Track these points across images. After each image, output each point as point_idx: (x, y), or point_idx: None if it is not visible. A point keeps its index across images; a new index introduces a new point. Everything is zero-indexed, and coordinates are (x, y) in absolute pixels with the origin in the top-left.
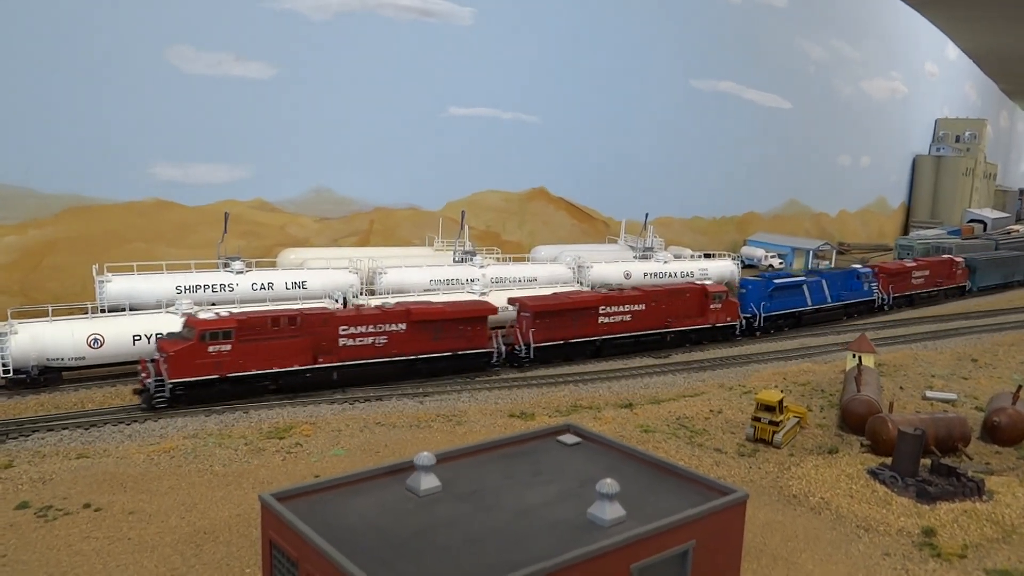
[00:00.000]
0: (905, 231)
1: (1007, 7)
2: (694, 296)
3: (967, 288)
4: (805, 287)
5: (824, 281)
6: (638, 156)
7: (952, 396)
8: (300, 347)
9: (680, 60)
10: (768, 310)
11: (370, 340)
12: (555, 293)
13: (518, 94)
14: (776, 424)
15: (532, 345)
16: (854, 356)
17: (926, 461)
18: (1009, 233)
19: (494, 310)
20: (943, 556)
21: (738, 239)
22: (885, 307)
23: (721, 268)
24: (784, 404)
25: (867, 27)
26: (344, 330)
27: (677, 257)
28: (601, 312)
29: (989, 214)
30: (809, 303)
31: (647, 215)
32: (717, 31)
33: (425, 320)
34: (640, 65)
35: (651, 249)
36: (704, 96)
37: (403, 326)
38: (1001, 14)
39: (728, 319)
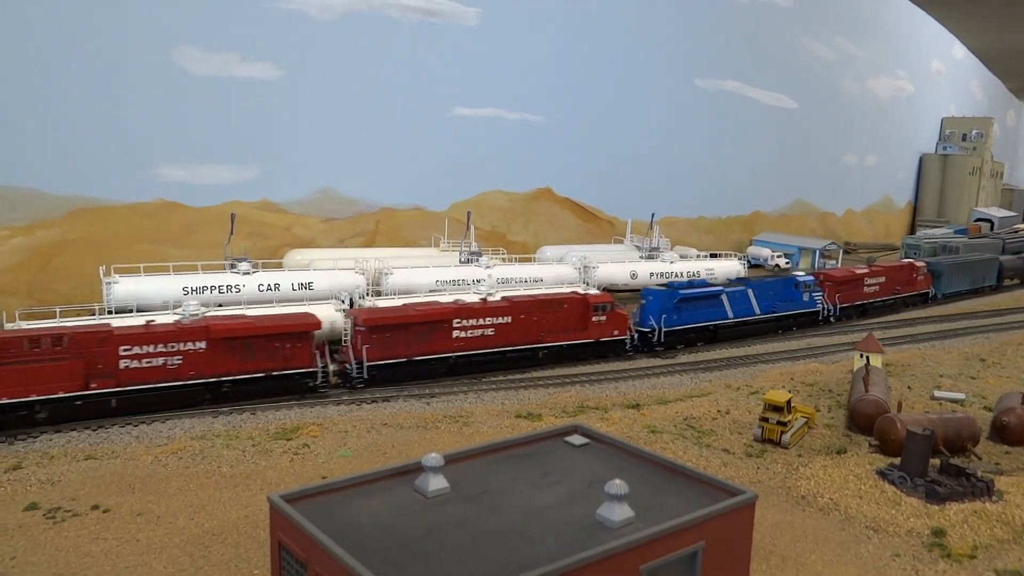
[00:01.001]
0: (912, 230)
1: (1014, 5)
2: (573, 307)
3: (930, 295)
4: (725, 297)
5: (751, 291)
6: (643, 156)
7: (960, 396)
8: (68, 371)
9: (685, 59)
10: (673, 323)
11: (160, 361)
12: (404, 304)
13: (523, 94)
14: (784, 424)
15: (366, 363)
16: (862, 356)
17: (935, 461)
18: (1016, 232)
19: (317, 324)
20: (953, 557)
21: (744, 239)
22: (831, 319)
23: (727, 268)
24: (792, 404)
25: (873, 26)
26: (126, 350)
27: (683, 257)
28: (456, 326)
29: (996, 213)
30: (730, 315)
31: (653, 215)
32: (722, 30)
33: (230, 337)
34: (645, 64)
35: (657, 249)
36: (709, 96)
37: (202, 344)
38: (1008, 12)
39: (615, 333)
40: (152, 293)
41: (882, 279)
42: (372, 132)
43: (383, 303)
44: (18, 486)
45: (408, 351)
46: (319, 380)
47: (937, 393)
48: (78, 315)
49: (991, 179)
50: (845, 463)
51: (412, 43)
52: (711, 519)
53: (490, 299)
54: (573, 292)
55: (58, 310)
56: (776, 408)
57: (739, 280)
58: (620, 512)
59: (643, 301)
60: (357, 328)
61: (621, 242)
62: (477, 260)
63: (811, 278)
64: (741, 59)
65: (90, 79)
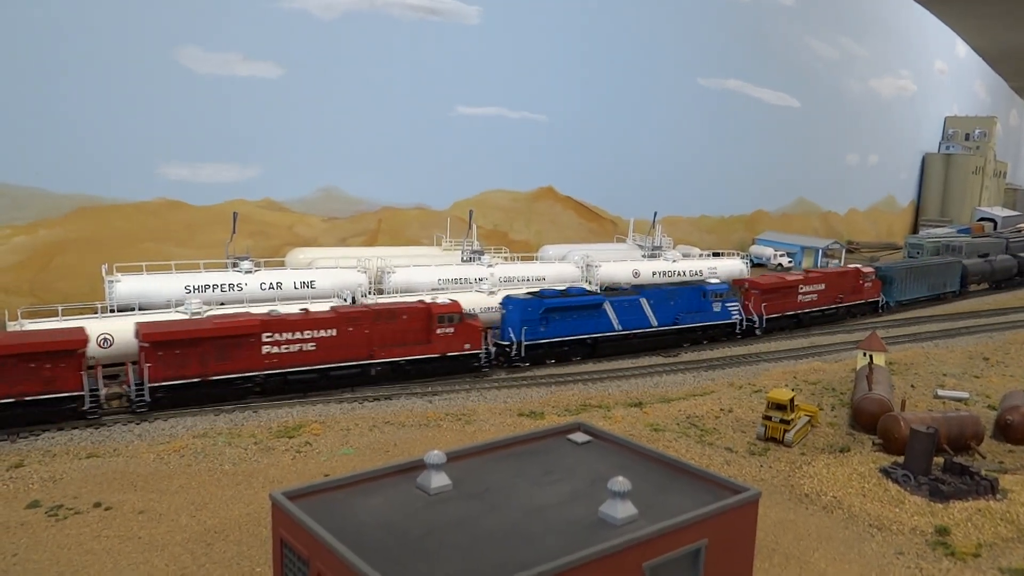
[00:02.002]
0: (914, 229)
1: (1017, 4)
2: (414, 318)
3: (881, 304)
4: (609, 307)
5: (645, 300)
6: (646, 155)
7: (964, 395)
8: None
9: (688, 58)
10: (537, 336)
11: None
12: (207, 316)
13: (525, 93)
14: (787, 423)
15: (148, 384)
16: (865, 355)
17: (939, 460)
18: (1020, 231)
19: (83, 341)
20: (957, 555)
21: (746, 238)
22: (756, 331)
23: (730, 267)
24: (795, 403)
25: (876, 25)
26: None
27: (685, 256)
28: (266, 340)
29: (999, 212)
30: (616, 327)
31: (655, 214)
32: (725, 29)
33: None
34: (648, 63)
35: (659, 248)
36: (712, 94)
37: None
38: (1011, 11)
39: (466, 347)
40: (154, 292)
41: (821, 286)
42: (374, 131)
43: (174, 316)
44: (20, 484)
45: (203, 370)
46: (87, 405)
47: (940, 392)
48: (80, 313)
49: (994, 179)
50: (848, 461)
51: (414, 42)
52: (714, 517)
53: (313, 310)
54: (419, 301)
55: (60, 308)
56: (779, 406)
57: (633, 288)
58: (623, 509)
59: (503, 311)
60: (141, 344)
61: (623, 241)
62: (479, 259)
63: (724, 286)
64: (744, 58)
65: (92, 78)
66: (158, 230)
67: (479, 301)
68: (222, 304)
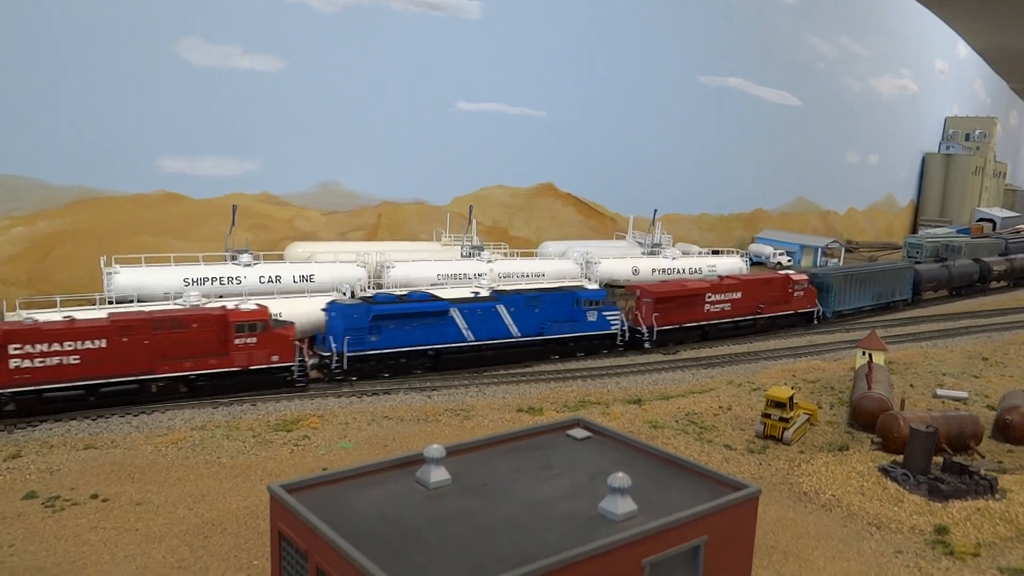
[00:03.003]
0: (914, 229)
1: (1018, 5)
2: (207, 327)
3: (817, 315)
4: (457, 314)
5: (503, 307)
6: (646, 152)
7: (963, 394)
8: None
9: (689, 56)
10: (365, 346)
11: None
12: None
13: (526, 89)
14: (786, 421)
15: None
16: (864, 353)
17: (938, 459)
18: (1019, 232)
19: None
20: (956, 554)
21: (746, 236)
22: (645, 344)
23: (730, 265)
24: (794, 401)
25: (877, 24)
26: None
27: (685, 254)
28: (13, 353)
29: (998, 213)
30: (468, 336)
31: (655, 211)
32: (726, 27)
33: None
34: (648, 61)
35: (659, 245)
36: (713, 92)
37: None
38: (1012, 12)
39: (274, 359)
40: (153, 284)
41: (736, 295)
42: (374, 125)
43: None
44: (17, 475)
45: None
46: None
47: (939, 391)
48: (78, 304)
49: (994, 179)
50: (847, 460)
51: (415, 37)
52: (714, 513)
53: (80, 317)
54: (221, 307)
55: (59, 299)
56: (778, 404)
57: (494, 293)
58: (623, 505)
59: (327, 318)
60: None
61: (623, 238)
62: (479, 254)
63: (600, 292)
64: (745, 56)
65: (93, 69)
66: (157, 222)
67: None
68: (220, 296)
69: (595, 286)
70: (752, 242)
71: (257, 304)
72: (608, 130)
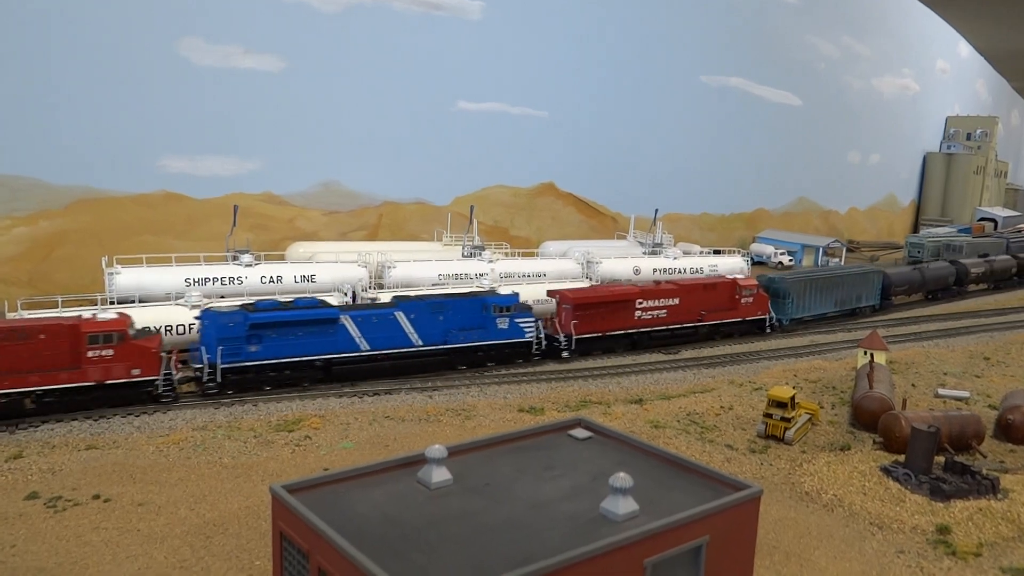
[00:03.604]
0: (915, 229)
1: (1020, 5)
2: (55, 338)
3: (770, 322)
4: (349, 322)
5: (403, 314)
6: (647, 152)
7: (965, 394)
8: None
9: (690, 56)
10: (243, 357)
11: None
12: None
13: (527, 89)
14: (788, 420)
15: None
16: (866, 353)
17: (940, 459)
18: (1020, 231)
19: None
20: (958, 554)
21: (747, 236)
22: (564, 352)
23: (731, 265)
24: (796, 401)
25: (878, 24)
26: None
27: (686, 253)
28: None
29: (1000, 212)
30: (362, 346)
31: (656, 211)
32: (728, 27)
33: None
34: (650, 60)
35: (660, 245)
36: (714, 92)
37: None
38: (1013, 12)
39: (134, 373)
40: (154, 284)
41: (672, 301)
42: (375, 125)
43: None
44: (19, 475)
45: None
46: None
47: (941, 391)
48: (79, 304)
49: (995, 178)
50: (849, 460)
51: (416, 36)
52: (716, 513)
53: None
54: (76, 317)
55: (60, 299)
56: (780, 404)
57: (394, 299)
58: (624, 505)
59: (200, 326)
60: None
61: (624, 238)
62: (480, 254)
63: (512, 298)
64: (746, 56)
65: (94, 69)
66: (158, 222)
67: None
68: (222, 297)
69: (509, 291)
70: (753, 242)
71: (118, 313)
72: (609, 130)
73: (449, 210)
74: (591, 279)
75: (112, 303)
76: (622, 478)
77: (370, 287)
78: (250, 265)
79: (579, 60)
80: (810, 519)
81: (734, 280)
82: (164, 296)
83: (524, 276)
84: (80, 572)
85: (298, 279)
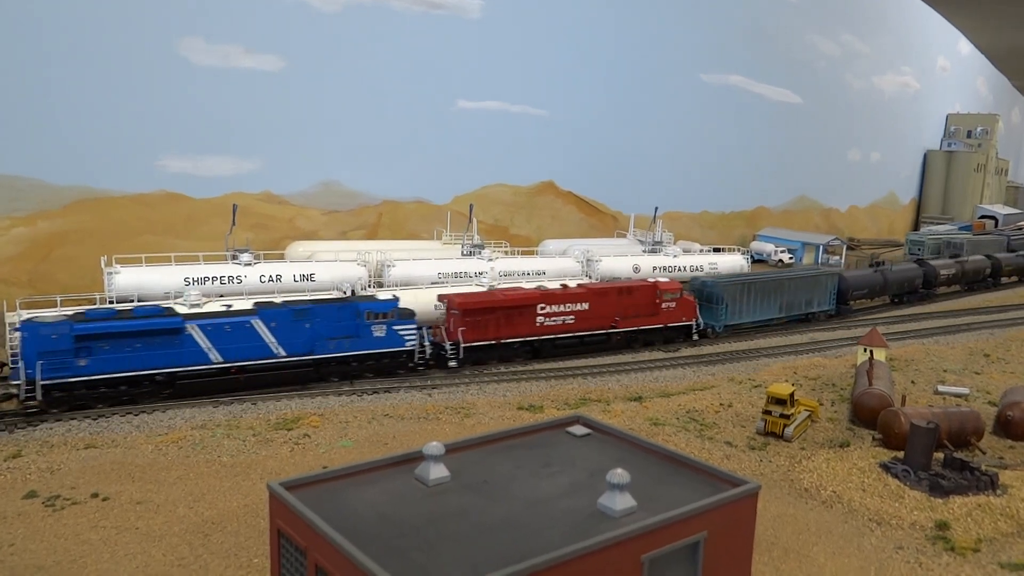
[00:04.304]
0: (915, 227)
1: (1020, 3)
2: None
3: (698, 329)
4: (197, 331)
5: (262, 322)
6: (647, 150)
7: (964, 391)
8: None
9: (690, 54)
10: (70, 372)
11: None
12: None
13: (527, 87)
14: (787, 417)
15: None
16: (865, 350)
17: (939, 455)
18: (1021, 229)
19: None
20: (957, 550)
21: (747, 234)
22: (450, 362)
23: (731, 263)
24: (795, 398)
25: (879, 22)
26: None
27: (686, 251)
28: None
29: (1000, 210)
30: (213, 358)
31: (656, 209)
32: (727, 25)
33: None
34: (649, 58)
35: (660, 243)
36: (714, 90)
37: None
38: (1014, 9)
39: None
40: (153, 284)
41: (581, 306)
42: (375, 124)
43: None
44: (18, 474)
45: None
46: None
47: (941, 388)
48: (79, 304)
49: (996, 176)
50: (848, 456)
51: (415, 35)
52: (713, 509)
53: None
54: None
55: (59, 299)
56: (779, 401)
57: (255, 306)
58: (622, 501)
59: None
60: None
61: (624, 236)
62: (479, 253)
63: (390, 303)
64: (746, 54)
65: (93, 69)
66: (158, 222)
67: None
68: (221, 296)
69: (388, 295)
70: (753, 240)
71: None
72: (609, 128)
73: (449, 209)
74: (591, 277)
75: (111, 302)
76: (619, 474)
77: (370, 286)
78: (249, 264)
79: (579, 58)
80: (809, 515)
81: (655, 283)
82: (163, 296)
83: (523, 274)
84: (79, 570)
85: (297, 278)
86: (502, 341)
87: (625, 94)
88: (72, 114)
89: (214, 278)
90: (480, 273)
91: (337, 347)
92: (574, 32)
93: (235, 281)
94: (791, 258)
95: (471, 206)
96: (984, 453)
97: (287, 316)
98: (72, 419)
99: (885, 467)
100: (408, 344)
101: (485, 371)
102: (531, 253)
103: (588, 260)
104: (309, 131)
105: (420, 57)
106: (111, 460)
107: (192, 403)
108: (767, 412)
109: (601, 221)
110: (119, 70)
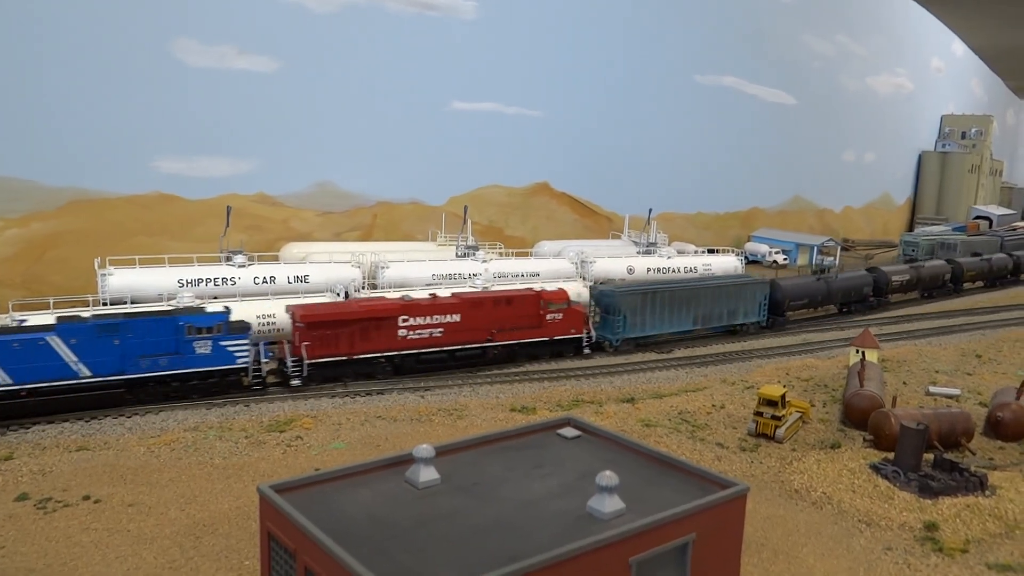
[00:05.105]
0: (910, 227)
1: (1014, 4)
2: None
3: (590, 341)
4: None
5: (59, 339)
6: (642, 151)
7: (956, 391)
8: None
9: (684, 55)
10: None
11: None
12: None
13: (521, 88)
14: (778, 419)
15: None
16: (857, 351)
17: (929, 456)
18: (1014, 229)
19: None
20: (945, 551)
21: (742, 235)
22: (292, 381)
23: (725, 264)
24: (786, 399)
25: (873, 23)
26: None
27: (681, 253)
28: None
29: (995, 211)
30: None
31: (650, 210)
32: (722, 26)
33: None
34: (644, 60)
35: (655, 244)
36: (708, 91)
37: None
38: (1008, 10)
39: None
40: (147, 285)
41: (452, 317)
42: (370, 126)
43: None
44: (9, 476)
45: None
46: None
47: (932, 389)
48: (72, 306)
49: (990, 177)
50: (839, 458)
51: (410, 37)
52: (702, 511)
53: None
54: None
55: (51, 301)
56: (771, 403)
57: (60, 320)
58: (610, 504)
59: None
60: None
61: (619, 238)
62: (474, 254)
63: (218, 316)
64: (740, 55)
65: (87, 70)
66: (152, 223)
67: None
68: (215, 298)
69: (219, 307)
70: (748, 241)
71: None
72: (604, 129)
73: (444, 210)
74: (585, 279)
75: (105, 304)
76: (608, 476)
77: (364, 287)
78: (243, 266)
79: (573, 60)
80: (799, 516)
81: (538, 293)
82: (157, 297)
83: (518, 276)
84: (69, 573)
85: (291, 279)
86: (355, 357)
87: (620, 95)
88: (66, 115)
89: (208, 280)
90: (474, 274)
91: (152, 366)
92: (568, 34)
93: (229, 283)
94: (785, 259)
95: (466, 207)
96: (974, 454)
97: (90, 332)
98: (64, 421)
99: (875, 468)
100: (240, 361)
101: (479, 372)
102: (526, 254)
103: (582, 262)
104: (304, 132)
105: (415, 58)
106: (103, 462)
107: (185, 405)
108: (758, 413)
109: (596, 222)
110: (113, 71)
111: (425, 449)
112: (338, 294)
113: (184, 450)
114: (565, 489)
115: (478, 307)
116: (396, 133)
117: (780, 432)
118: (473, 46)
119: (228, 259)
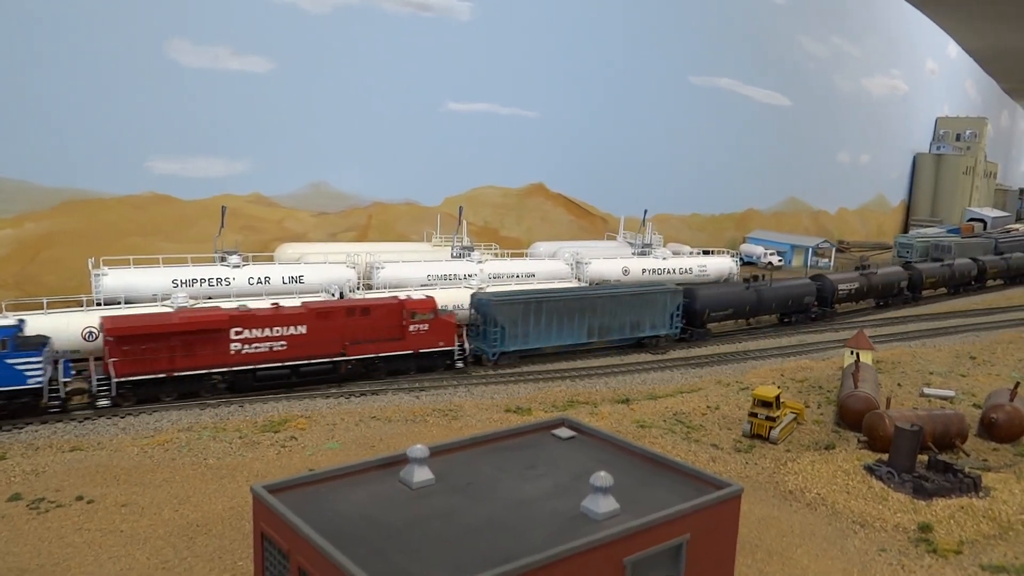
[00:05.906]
0: (905, 229)
1: (1008, 5)
2: None
3: (461, 355)
4: None
5: None
6: (637, 152)
7: (950, 393)
8: None
9: (680, 56)
10: None
11: None
12: None
13: (516, 90)
14: (773, 420)
15: None
16: (852, 353)
17: (923, 457)
18: (1009, 231)
19: None
20: (939, 552)
21: (737, 236)
22: (99, 401)
23: (720, 265)
24: (781, 400)
25: (868, 24)
26: None
27: (676, 254)
28: None
29: (989, 213)
30: None
31: (646, 212)
32: (717, 27)
33: None
34: (639, 61)
35: (649, 246)
36: (703, 93)
37: None
38: (1002, 13)
39: None
40: (141, 286)
41: (298, 328)
42: (365, 126)
43: None
44: (2, 477)
45: None
46: None
47: (927, 390)
48: (66, 306)
49: (984, 179)
50: (833, 459)
51: (405, 38)
52: (696, 512)
53: None
54: None
55: (45, 301)
56: (765, 404)
57: None
58: (605, 504)
59: None
60: None
61: (614, 239)
62: (469, 255)
63: (5, 330)
64: (736, 57)
65: (81, 71)
66: (146, 224)
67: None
68: (209, 298)
69: (8, 321)
70: (743, 242)
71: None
72: (599, 130)
73: (439, 211)
74: (579, 279)
75: (99, 304)
76: (602, 477)
77: (359, 288)
78: (238, 266)
79: (569, 61)
80: (793, 518)
81: (401, 302)
82: (151, 298)
83: (513, 277)
84: (62, 573)
85: (286, 280)
86: (176, 374)
87: (615, 96)
88: (60, 115)
89: (202, 280)
90: (469, 275)
91: None
92: (564, 35)
93: (224, 283)
94: (780, 261)
95: (461, 208)
96: (968, 455)
97: None
98: (58, 421)
99: (869, 469)
100: (31, 382)
101: (473, 373)
102: (521, 255)
103: (577, 263)
104: (298, 133)
105: (410, 59)
106: (96, 463)
107: (179, 405)
108: (753, 414)
109: (591, 223)
110: (108, 71)
111: (419, 449)
112: (333, 295)
113: (178, 450)
114: (559, 489)
115: (327, 318)
116: (391, 134)
117: (775, 433)
118: (468, 47)
119: (223, 259)
